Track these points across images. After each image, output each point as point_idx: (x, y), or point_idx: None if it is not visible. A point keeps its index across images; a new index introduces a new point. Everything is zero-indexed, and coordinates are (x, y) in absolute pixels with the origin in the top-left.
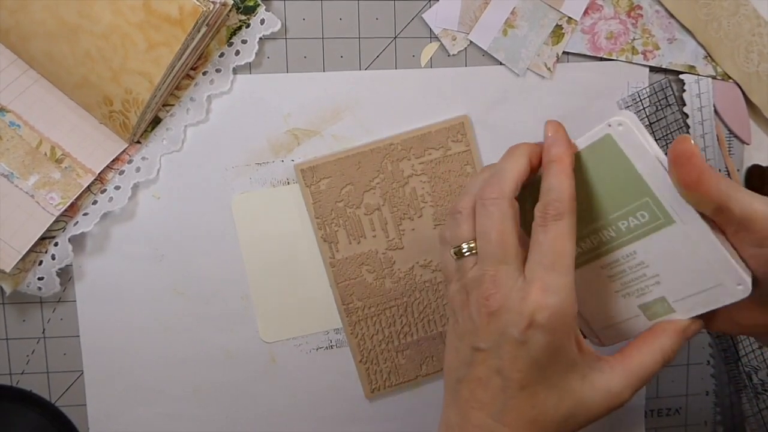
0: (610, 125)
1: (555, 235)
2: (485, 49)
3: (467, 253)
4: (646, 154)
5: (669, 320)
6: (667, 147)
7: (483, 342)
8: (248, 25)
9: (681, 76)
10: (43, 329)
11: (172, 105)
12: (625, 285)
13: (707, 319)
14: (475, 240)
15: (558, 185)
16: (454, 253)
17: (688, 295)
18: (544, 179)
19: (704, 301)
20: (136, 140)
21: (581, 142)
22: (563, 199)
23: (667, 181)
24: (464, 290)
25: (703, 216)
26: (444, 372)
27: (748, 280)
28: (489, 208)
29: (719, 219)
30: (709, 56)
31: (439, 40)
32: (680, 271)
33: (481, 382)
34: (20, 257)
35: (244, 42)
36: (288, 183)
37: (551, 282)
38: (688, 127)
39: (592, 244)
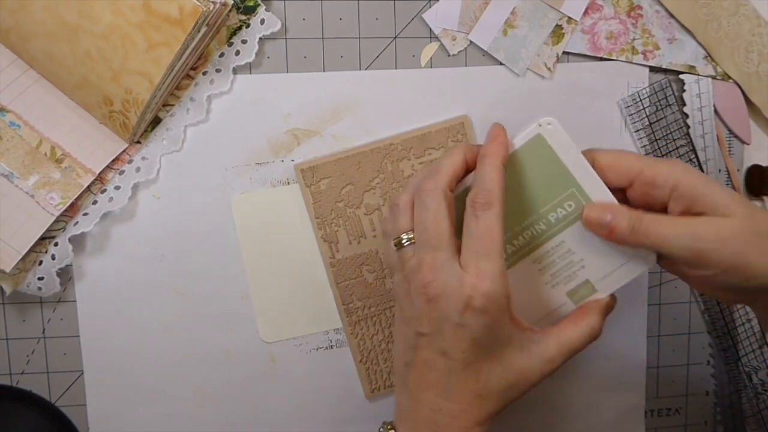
0: (540, 125)
1: (485, 223)
2: (485, 49)
3: (407, 243)
4: (571, 148)
5: (594, 300)
6: (668, 147)
7: (426, 327)
8: (248, 25)
9: (681, 76)
10: (43, 329)
11: (172, 105)
12: (555, 275)
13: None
14: (412, 231)
15: (487, 176)
16: (395, 245)
17: (607, 274)
18: (476, 172)
19: (619, 277)
20: (136, 140)
21: (516, 143)
22: (492, 189)
23: (586, 168)
24: (406, 279)
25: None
26: (393, 359)
27: (652, 253)
28: (425, 199)
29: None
30: (709, 56)
31: (439, 40)
32: (600, 251)
33: (427, 364)
34: (20, 257)
35: (244, 42)
36: (288, 183)
37: (484, 267)
38: (688, 127)
39: (525, 239)
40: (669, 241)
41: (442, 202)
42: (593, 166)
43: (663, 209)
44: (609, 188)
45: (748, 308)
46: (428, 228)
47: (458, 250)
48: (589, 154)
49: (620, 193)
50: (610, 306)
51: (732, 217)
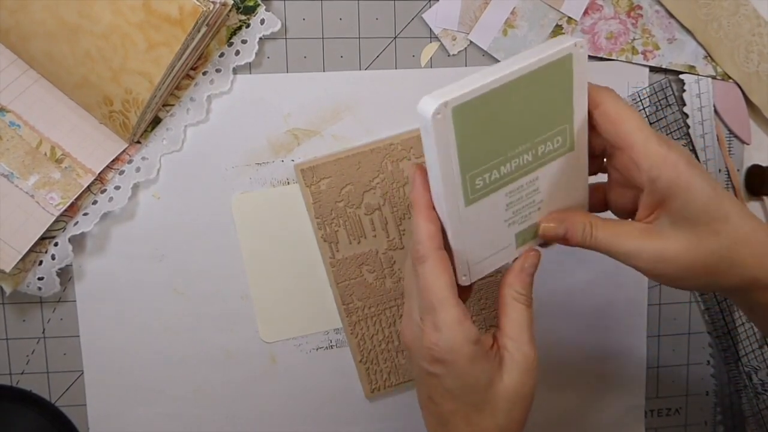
0: (576, 45)
1: (423, 278)
2: (485, 49)
3: None
4: (584, 82)
5: (508, 286)
6: None
7: (413, 372)
8: (248, 25)
9: (681, 76)
10: (43, 329)
11: (172, 105)
12: (516, 213)
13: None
14: None
15: (416, 229)
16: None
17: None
18: (412, 220)
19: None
20: (136, 140)
21: (542, 57)
22: (422, 241)
23: (583, 112)
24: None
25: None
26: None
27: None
28: (417, 268)
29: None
30: (709, 56)
31: (439, 40)
32: (555, 195)
33: (425, 405)
34: (20, 257)
35: (244, 42)
36: (288, 183)
37: (434, 320)
38: (688, 126)
39: (510, 168)
40: (629, 256)
41: (426, 269)
42: (595, 107)
43: (636, 188)
44: (592, 148)
45: None
46: (419, 294)
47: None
48: (598, 95)
49: (600, 159)
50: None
51: (708, 238)
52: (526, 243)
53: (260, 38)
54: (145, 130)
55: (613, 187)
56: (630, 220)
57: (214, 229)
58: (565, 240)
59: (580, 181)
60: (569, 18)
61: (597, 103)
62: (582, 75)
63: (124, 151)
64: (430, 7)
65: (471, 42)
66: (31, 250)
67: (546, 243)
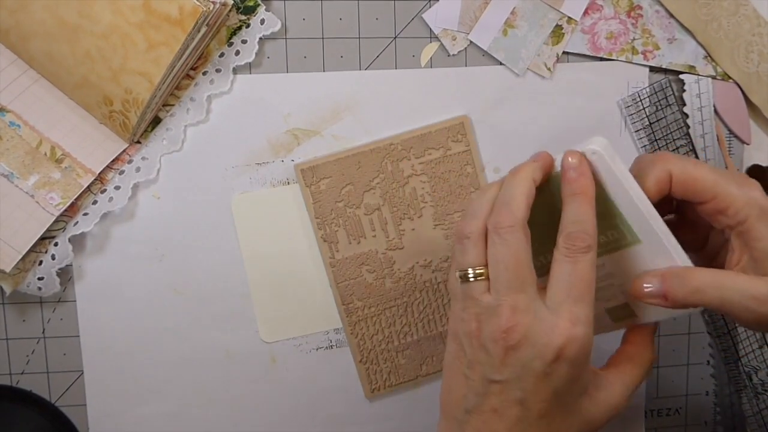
0: (584, 154)
1: (584, 267)
2: (485, 49)
3: (473, 279)
4: (617, 181)
5: (640, 327)
6: (668, 147)
7: (500, 374)
8: (248, 25)
9: (681, 76)
10: (43, 329)
11: (172, 105)
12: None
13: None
14: (483, 266)
15: (584, 217)
16: (459, 277)
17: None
18: (567, 209)
19: (663, 312)
20: (136, 140)
21: (559, 164)
22: (590, 232)
23: (635, 205)
24: (475, 318)
25: (665, 235)
26: (443, 399)
27: None
28: (504, 236)
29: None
30: (709, 56)
31: (439, 40)
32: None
33: (497, 412)
34: (20, 257)
35: (244, 42)
36: (288, 183)
37: (579, 313)
38: (688, 127)
39: None
40: (732, 306)
41: (522, 239)
42: (664, 180)
43: (704, 227)
44: (658, 203)
45: None
46: (508, 268)
47: (540, 291)
48: (654, 168)
49: (669, 205)
50: (654, 331)
51: None
52: (624, 320)
53: (260, 38)
54: (145, 130)
55: (680, 228)
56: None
57: (214, 229)
58: (664, 297)
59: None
60: (569, 18)
61: (660, 179)
62: (608, 174)
63: (124, 151)
64: (430, 7)
65: (471, 42)
66: (31, 250)
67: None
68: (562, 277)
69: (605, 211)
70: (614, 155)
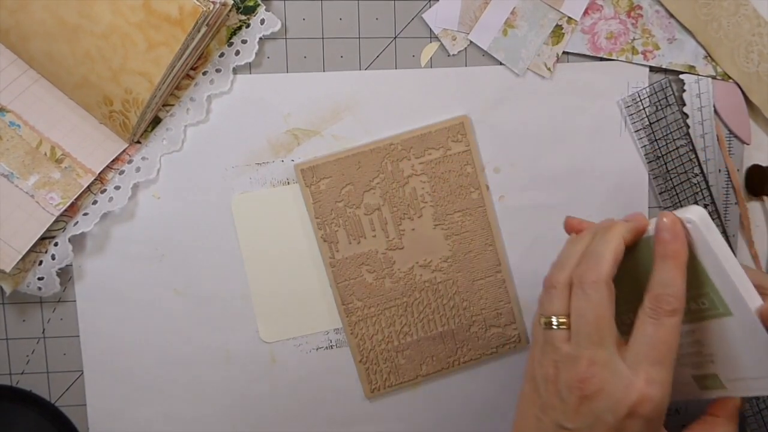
0: (687, 221)
1: (667, 331)
2: (485, 49)
3: (555, 327)
4: (711, 252)
5: (726, 400)
6: (668, 147)
7: (572, 422)
8: (248, 25)
9: (681, 76)
10: (43, 329)
11: (172, 105)
12: (681, 356)
13: None
14: (567, 316)
15: (673, 281)
16: (543, 323)
17: (740, 378)
18: (657, 271)
19: (757, 388)
20: (136, 140)
21: (652, 229)
22: (678, 296)
23: (728, 278)
24: (553, 365)
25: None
26: None
27: None
28: (588, 290)
29: None
30: (709, 56)
31: (439, 40)
32: (734, 356)
33: None
34: (20, 257)
35: (244, 42)
36: (288, 183)
37: (656, 375)
38: (688, 127)
39: None
40: None
41: (605, 295)
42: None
43: None
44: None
45: None
46: (589, 321)
47: (619, 347)
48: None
49: None
50: (740, 407)
51: None
52: (711, 390)
53: (260, 38)
54: (145, 130)
55: None
56: None
57: (214, 229)
58: None
59: (764, 349)
60: (569, 18)
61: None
62: (702, 245)
63: (124, 151)
64: (430, 7)
65: (471, 42)
66: (31, 250)
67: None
68: (644, 338)
69: (698, 279)
70: (711, 225)
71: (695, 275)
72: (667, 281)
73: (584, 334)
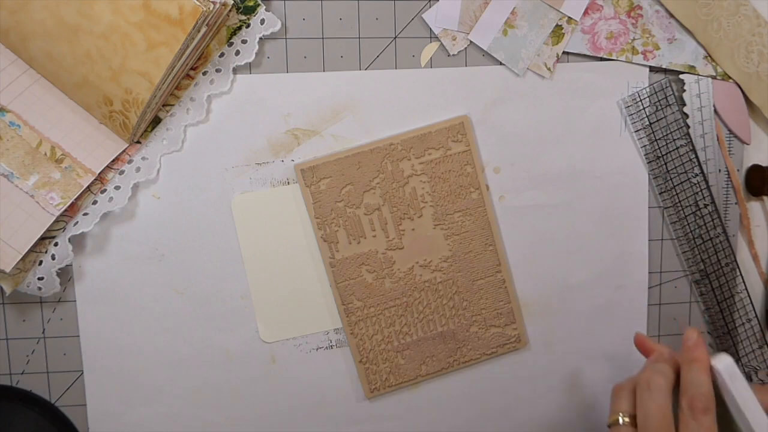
0: (714, 368)
1: (705, 427)
2: (485, 49)
3: (622, 423)
4: (734, 400)
5: None
6: (668, 147)
7: None
8: (248, 25)
9: (681, 76)
10: (43, 329)
11: (172, 105)
12: None
13: None
14: (631, 414)
15: (700, 380)
16: (609, 423)
17: None
18: (685, 375)
19: None
20: (136, 140)
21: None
22: (706, 393)
23: (749, 426)
24: None
25: None
26: None
27: None
28: (654, 392)
29: None
30: (709, 56)
31: (439, 40)
32: None
33: None
34: (20, 257)
35: (244, 42)
36: (288, 183)
37: None
38: (688, 127)
39: None
40: None
41: (668, 398)
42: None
43: None
44: None
45: (747, 308)
46: (654, 416)
47: None
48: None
49: None
50: None
51: None
52: None
53: (260, 38)
54: (145, 130)
55: None
56: None
57: (214, 229)
58: None
59: None
60: (569, 18)
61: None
62: (728, 388)
63: (124, 151)
64: (430, 7)
65: (471, 42)
66: (31, 250)
67: None
68: None
69: (727, 422)
70: (735, 374)
71: (725, 417)
72: (693, 381)
73: (649, 428)
